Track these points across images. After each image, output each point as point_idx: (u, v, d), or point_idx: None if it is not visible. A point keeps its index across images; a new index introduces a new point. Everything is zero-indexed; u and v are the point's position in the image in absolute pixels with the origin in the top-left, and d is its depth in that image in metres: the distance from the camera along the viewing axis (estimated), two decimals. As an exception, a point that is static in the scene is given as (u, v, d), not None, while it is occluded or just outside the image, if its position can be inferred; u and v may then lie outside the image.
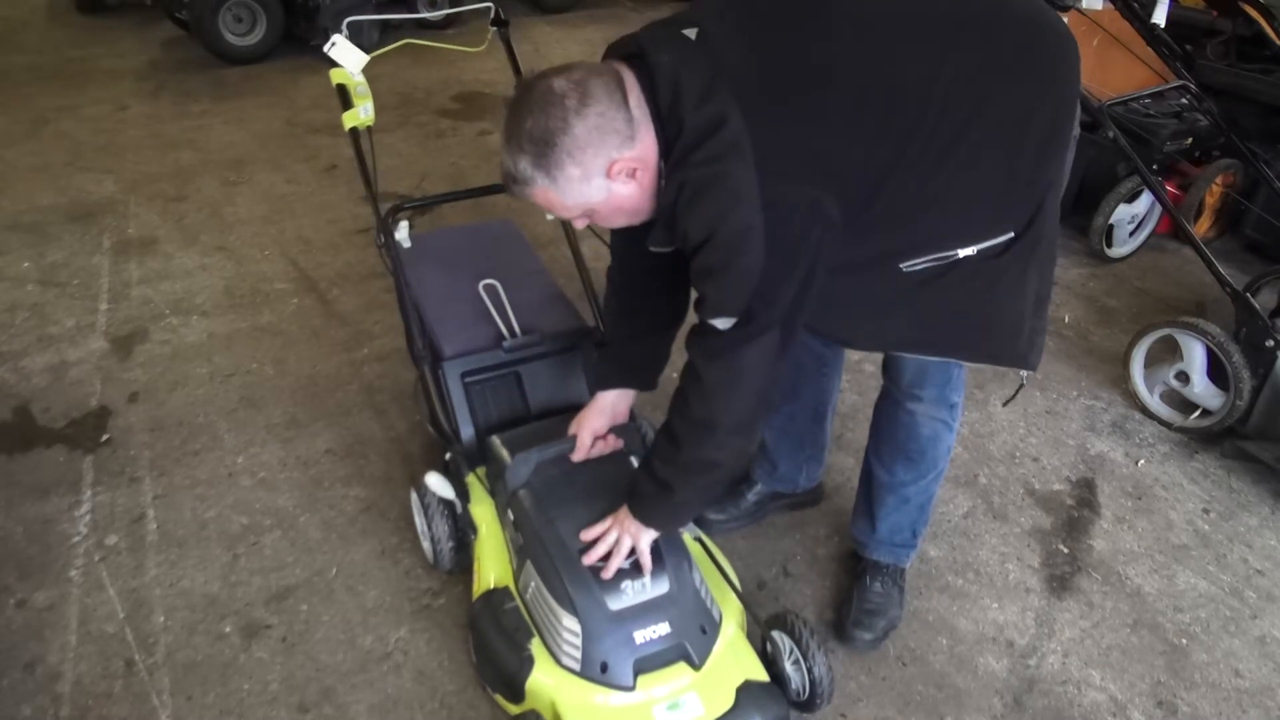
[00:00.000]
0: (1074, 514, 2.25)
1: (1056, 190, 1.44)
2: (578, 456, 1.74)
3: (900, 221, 1.34)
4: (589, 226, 1.46)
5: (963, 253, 1.38)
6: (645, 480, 1.53)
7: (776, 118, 1.23)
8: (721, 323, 1.32)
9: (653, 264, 1.47)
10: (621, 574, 1.55)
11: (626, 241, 1.57)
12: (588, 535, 1.60)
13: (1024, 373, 1.58)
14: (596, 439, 1.75)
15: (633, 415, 1.99)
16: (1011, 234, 1.40)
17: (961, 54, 1.27)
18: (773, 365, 1.36)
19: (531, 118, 1.26)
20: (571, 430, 1.76)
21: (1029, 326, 1.51)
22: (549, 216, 1.44)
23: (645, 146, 1.28)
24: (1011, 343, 1.51)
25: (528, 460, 1.72)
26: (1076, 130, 1.47)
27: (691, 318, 1.45)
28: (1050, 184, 1.41)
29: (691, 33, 1.25)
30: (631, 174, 1.30)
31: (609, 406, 1.76)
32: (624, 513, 1.58)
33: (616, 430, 1.79)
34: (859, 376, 2.64)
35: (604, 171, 1.28)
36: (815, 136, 1.25)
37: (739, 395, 1.38)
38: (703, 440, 1.44)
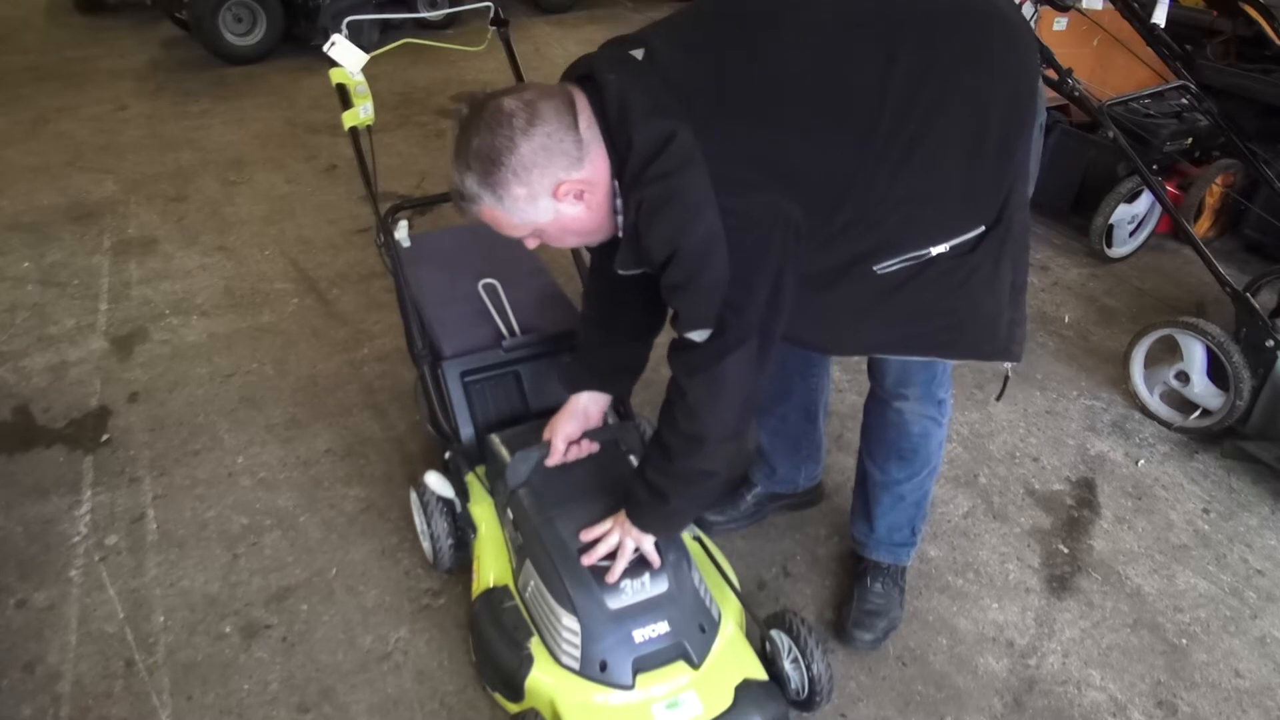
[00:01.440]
0: (1074, 514, 2.25)
1: (1023, 179, 1.43)
2: (552, 461, 1.72)
3: (869, 224, 1.33)
4: None
5: (935, 251, 1.38)
6: (641, 488, 1.53)
7: (728, 129, 1.23)
8: (697, 335, 1.33)
9: (629, 277, 1.46)
10: (620, 572, 1.56)
11: (602, 251, 1.56)
12: (588, 535, 1.60)
13: (1008, 365, 1.57)
14: (570, 444, 1.74)
15: (631, 413, 1.99)
16: (982, 228, 1.39)
17: (910, 54, 1.26)
18: (754, 373, 1.36)
19: (479, 136, 1.26)
20: (545, 435, 1.74)
21: (1007, 318, 1.49)
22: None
23: (595, 168, 1.28)
24: (991, 337, 1.50)
25: (528, 458, 1.71)
26: (1044, 117, 1.47)
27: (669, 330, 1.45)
28: (1016, 174, 1.40)
29: (639, 52, 1.26)
30: (579, 196, 1.30)
31: (581, 411, 1.74)
32: (624, 515, 1.58)
33: (610, 431, 1.79)
34: (859, 377, 2.63)
35: (550, 192, 1.28)
36: (770, 145, 1.25)
37: (724, 406, 1.39)
38: (693, 452, 1.44)
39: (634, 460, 1.76)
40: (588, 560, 1.56)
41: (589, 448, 1.76)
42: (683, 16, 1.37)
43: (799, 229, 1.26)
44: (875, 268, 1.38)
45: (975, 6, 1.34)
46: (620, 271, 1.37)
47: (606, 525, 1.59)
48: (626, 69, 1.25)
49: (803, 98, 1.25)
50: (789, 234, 1.26)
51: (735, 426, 1.43)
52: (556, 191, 1.28)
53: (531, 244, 1.42)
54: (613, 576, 1.55)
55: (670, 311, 1.37)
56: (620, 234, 1.35)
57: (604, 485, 1.68)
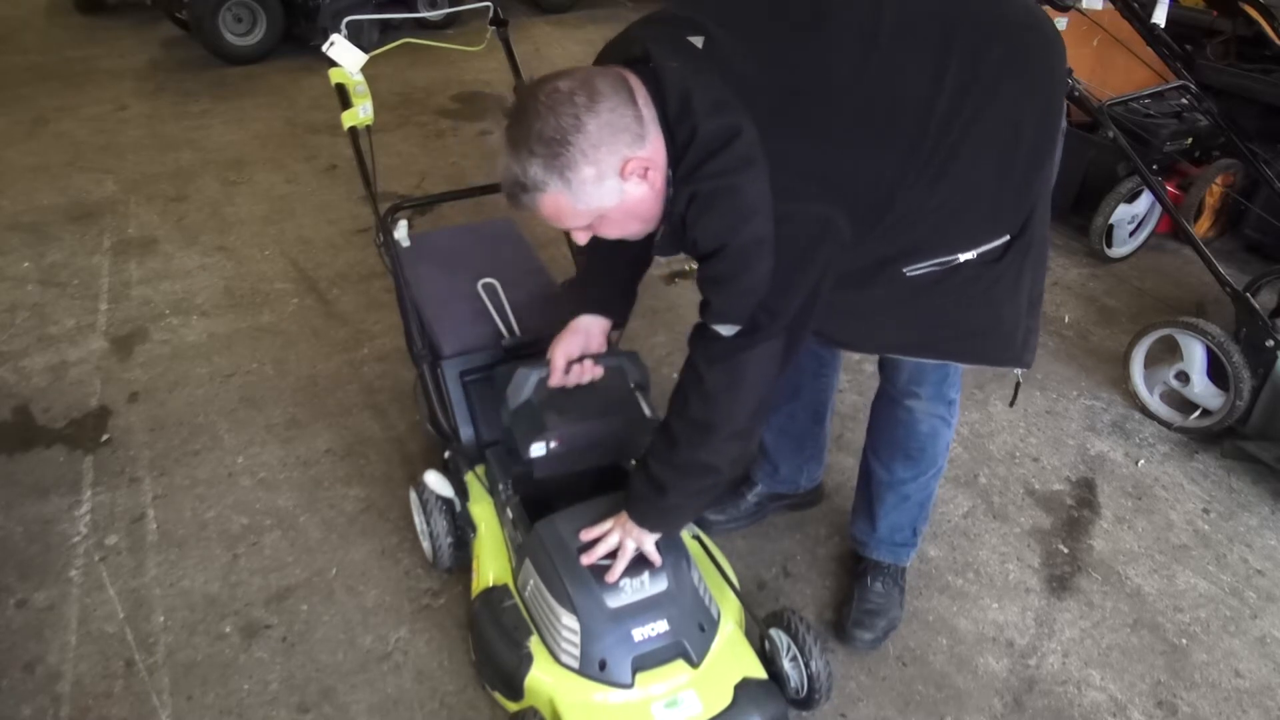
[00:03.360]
0: (1074, 514, 2.25)
1: (1048, 190, 1.44)
2: (554, 381, 1.68)
3: (903, 229, 1.34)
4: None
5: (963, 258, 1.39)
6: (641, 481, 1.52)
7: (788, 133, 1.21)
8: (725, 329, 1.32)
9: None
10: (620, 573, 1.56)
11: None
12: (588, 535, 1.60)
13: (1019, 370, 1.58)
14: (573, 363, 1.69)
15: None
16: (1008, 237, 1.41)
17: (959, 64, 1.26)
18: (775, 373, 1.36)
19: (540, 120, 1.21)
20: (548, 355, 1.70)
21: (1024, 326, 1.51)
22: None
23: (655, 147, 1.25)
24: (1008, 344, 1.52)
25: (528, 376, 1.67)
26: (1063, 124, 1.48)
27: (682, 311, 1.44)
28: (1043, 187, 1.42)
29: (698, 40, 1.23)
30: (644, 174, 1.25)
31: (583, 329, 1.70)
32: (625, 516, 1.57)
33: (614, 355, 1.74)
34: (859, 377, 2.64)
35: (618, 171, 1.24)
36: (826, 153, 1.24)
37: (739, 400, 1.38)
38: (700, 442, 1.43)
39: (643, 403, 1.74)
40: (587, 560, 1.56)
41: (591, 370, 1.72)
42: (735, 4, 1.33)
43: (845, 240, 1.26)
44: (905, 270, 1.39)
45: (1017, 18, 1.34)
46: (656, 256, 1.36)
47: (607, 525, 1.59)
48: (687, 57, 1.22)
49: (858, 110, 1.25)
50: (835, 244, 1.26)
51: (747, 423, 1.42)
52: (624, 170, 1.24)
53: (583, 237, 1.38)
54: (612, 576, 1.55)
55: (700, 299, 1.35)
56: (664, 221, 1.34)
57: (604, 483, 1.68)
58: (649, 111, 1.23)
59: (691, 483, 1.49)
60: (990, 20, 1.31)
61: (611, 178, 1.24)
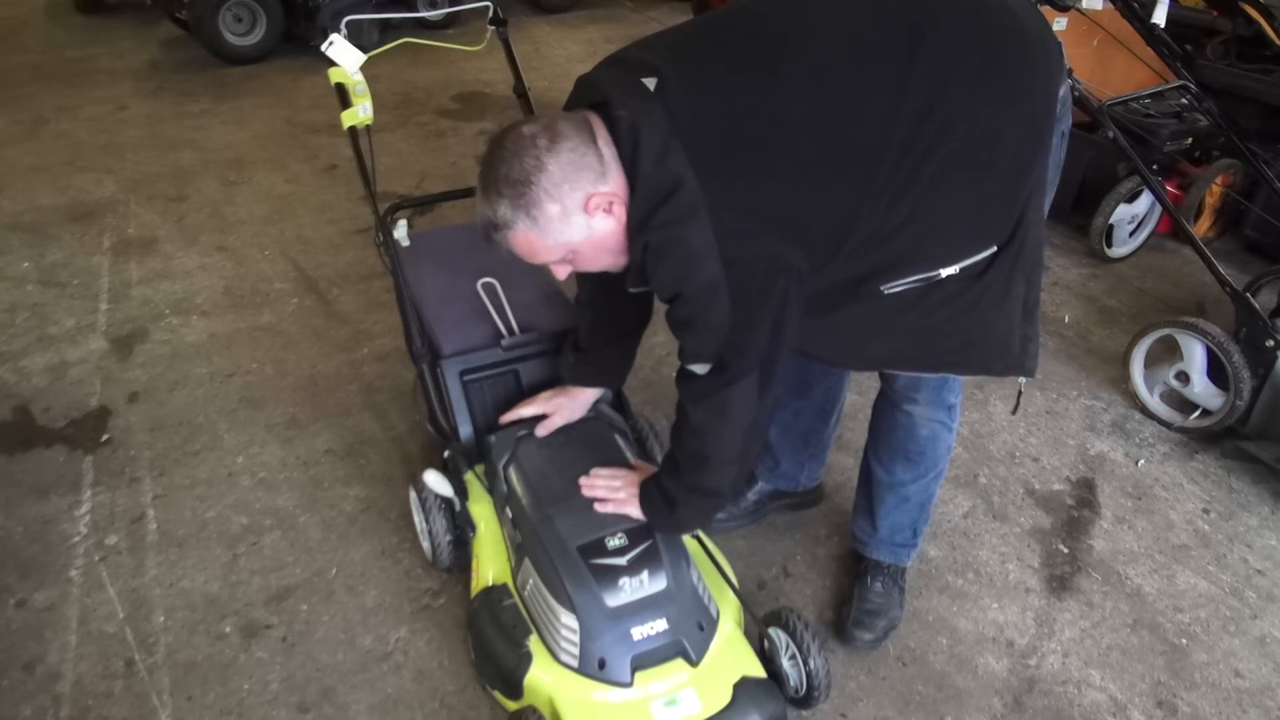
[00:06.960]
0: (1074, 514, 2.25)
1: (1038, 198, 1.41)
2: (542, 432, 1.83)
3: (872, 246, 1.33)
4: None
5: (945, 273, 1.37)
6: (655, 491, 1.59)
7: (731, 177, 1.24)
8: (699, 368, 1.38)
9: (616, 283, 1.47)
10: (619, 571, 1.56)
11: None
12: (600, 471, 1.68)
13: (1021, 379, 1.58)
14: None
15: (631, 414, 2.00)
16: (994, 249, 1.39)
17: (920, 86, 1.24)
18: (756, 403, 1.39)
19: (506, 163, 1.29)
20: (540, 404, 1.84)
21: (1020, 335, 1.49)
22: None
23: (617, 183, 1.29)
24: (1002, 354, 1.50)
25: (507, 436, 1.80)
26: (1067, 123, 1.46)
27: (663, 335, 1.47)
28: (1031, 192, 1.38)
29: (651, 82, 1.26)
30: (609, 209, 1.30)
31: (581, 397, 1.86)
32: (636, 477, 1.65)
33: (596, 419, 1.90)
34: (860, 376, 2.63)
35: (582, 207, 1.29)
36: (772, 192, 1.26)
37: (726, 433, 1.43)
38: (698, 470, 1.50)
39: (622, 445, 1.82)
40: (587, 488, 1.66)
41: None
42: (694, 40, 1.36)
43: (801, 272, 1.29)
44: (883, 288, 1.39)
45: (998, 24, 1.32)
46: (630, 290, 1.40)
47: (622, 474, 1.67)
48: (638, 103, 1.25)
49: (808, 144, 1.25)
50: (790, 279, 1.28)
51: (739, 450, 1.47)
52: (587, 205, 1.29)
53: (561, 272, 1.43)
54: (590, 490, 1.65)
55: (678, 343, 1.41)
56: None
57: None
58: (609, 150, 1.28)
59: (697, 501, 1.57)
60: (965, 31, 1.29)
61: (577, 214, 1.30)
